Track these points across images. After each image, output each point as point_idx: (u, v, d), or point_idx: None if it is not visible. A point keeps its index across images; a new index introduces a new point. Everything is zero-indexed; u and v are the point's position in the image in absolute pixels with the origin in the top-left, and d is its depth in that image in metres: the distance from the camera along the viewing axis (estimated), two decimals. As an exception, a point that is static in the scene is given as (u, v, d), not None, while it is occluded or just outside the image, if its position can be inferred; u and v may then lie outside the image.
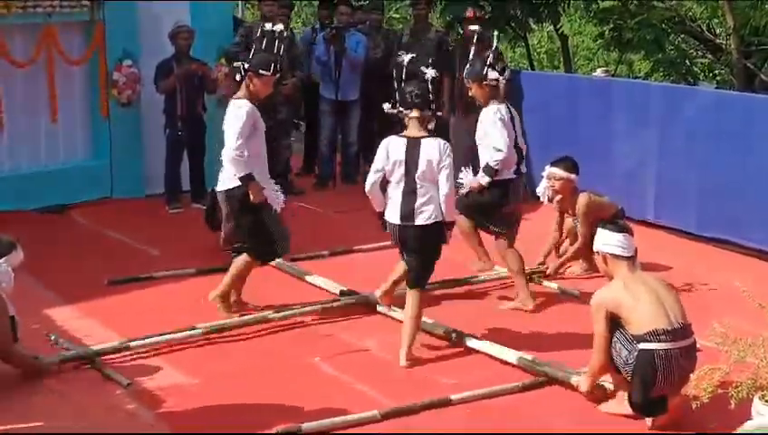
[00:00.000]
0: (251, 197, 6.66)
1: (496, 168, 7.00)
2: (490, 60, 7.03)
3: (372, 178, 6.27)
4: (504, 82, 7.13)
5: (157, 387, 5.84)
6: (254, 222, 6.78)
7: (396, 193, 6.19)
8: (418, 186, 6.11)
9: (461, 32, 10.76)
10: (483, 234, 7.42)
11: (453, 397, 5.64)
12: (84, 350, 6.23)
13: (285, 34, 7.36)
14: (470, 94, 7.25)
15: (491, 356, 6.25)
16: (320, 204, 10.14)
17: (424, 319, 6.52)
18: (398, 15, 18.85)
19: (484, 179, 7.05)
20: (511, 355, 6.17)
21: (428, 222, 6.14)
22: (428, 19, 11.24)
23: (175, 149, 9.90)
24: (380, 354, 6.38)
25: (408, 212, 6.14)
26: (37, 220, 9.31)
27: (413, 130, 6.19)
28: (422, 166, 6.08)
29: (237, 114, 6.67)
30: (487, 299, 7.46)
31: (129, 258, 8.35)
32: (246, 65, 6.75)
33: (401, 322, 6.42)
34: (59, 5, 9.62)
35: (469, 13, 10.23)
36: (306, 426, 5.24)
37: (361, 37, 10.85)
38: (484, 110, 7.10)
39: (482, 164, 7.14)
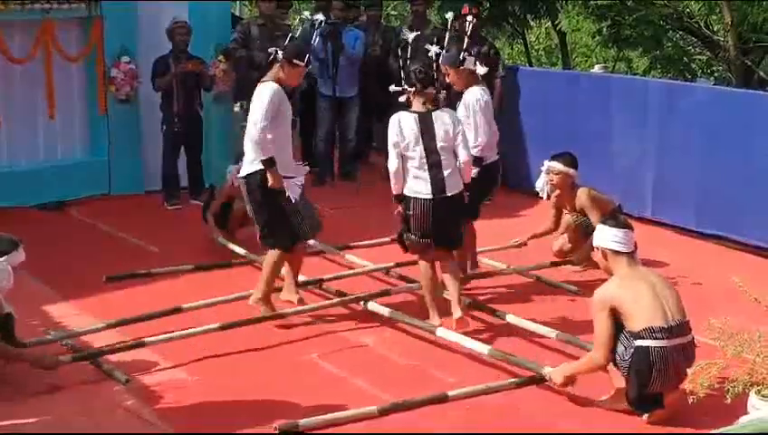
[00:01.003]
0: (269, 181, 6.55)
1: (479, 155, 7.01)
2: (465, 45, 7.03)
3: (394, 155, 6.36)
4: (482, 61, 7.11)
5: (155, 383, 5.84)
6: (272, 209, 6.66)
7: (420, 168, 6.30)
8: (442, 157, 6.25)
9: (458, 28, 10.73)
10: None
11: (450, 393, 5.64)
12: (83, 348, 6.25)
13: (326, 26, 7.24)
14: (447, 80, 7.23)
15: (465, 349, 6.24)
16: (318, 200, 10.10)
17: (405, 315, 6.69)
18: (395, 12, 18.83)
19: (472, 172, 6.93)
20: (483, 348, 6.15)
21: (458, 191, 6.40)
22: (426, 16, 11.23)
23: (172, 146, 9.91)
24: (378, 350, 6.40)
25: (439, 185, 6.31)
26: (35, 217, 9.31)
27: (419, 106, 6.28)
28: (440, 137, 6.26)
29: (263, 95, 6.57)
30: (484, 299, 7.45)
31: (127, 254, 8.35)
32: (281, 52, 6.66)
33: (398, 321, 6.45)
34: (56, 2, 9.61)
35: (464, 9, 10.19)
36: (304, 422, 5.24)
37: (359, 33, 10.85)
38: (468, 90, 7.08)
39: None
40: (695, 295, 7.11)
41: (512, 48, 18.95)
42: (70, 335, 6.40)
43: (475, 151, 6.95)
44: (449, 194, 6.35)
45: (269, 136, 6.50)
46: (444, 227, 6.44)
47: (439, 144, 6.27)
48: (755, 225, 8.35)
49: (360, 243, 8.37)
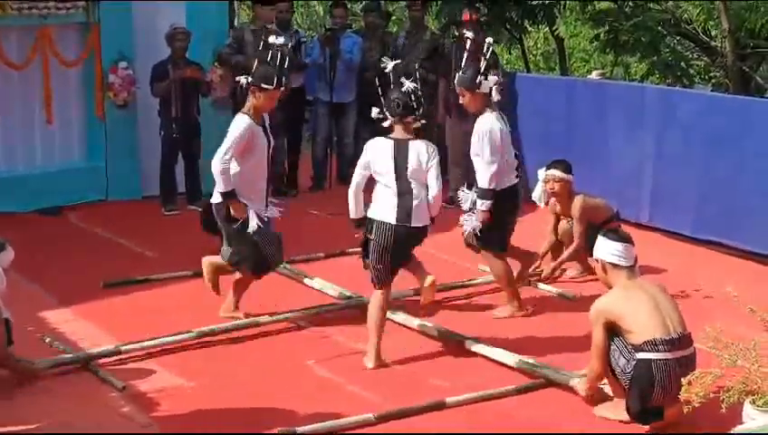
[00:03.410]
0: (231, 212, 6.65)
1: (491, 187, 6.86)
2: (483, 68, 6.92)
3: (358, 177, 6.33)
4: (498, 89, 7.05)
5: (151, 390, 5.84)
6: (240, 236, 6.72)
7: (388, 194, 6.22)
8: (412, 186, 6.18)
9: (456, 34, 10.74)
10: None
11: (448, 400, 5.64)
12: (79, 353, 6.25)
13: (289, 45, 7.28)
14: (461, 102, 7.17)
15: (490, 359, 6.26)
16: (315, 206, 10.14)
17: (423, 321, 6.67)
18: (393, 17, 18.85)
19: (485, 205, 6.88)
20: (510, 358, 6.17)
21: (422, 225, 6.25)
22: (424, 21, 11.25)
23: (170, 151, 9.91)
24: (375, 357, 6.39)
25: (405, 213, 6.19)
26: (33, 222, 9.31)
27: (399, 133, 6.26)
28: (411, 166, 6.17)
29: (234, 129, 6.63)
30: (484, 303, 7.44)
31: (125, 260, 8.35)
32: (250, 79, 6.68)
33: (399, 325, 6.41)
34: (54, 7, 9.62)
35: (465, 15, 10.21)
36: (301, 429, 5.24)
37: (357, 39, 10.86)
38: (480, 119, 6.96)
39: (477, 178, 7.00)
40: (691, 302, 7.13)
41: (509, 53, 18.97)
42: (84, 358, 6.21)
43: (484, 184, 6.84)
44: (413, 225, 6.21)
45: (234, 169, 6.58)
46: (400, 255, 6.32)
47: (410, 174, 6.17)
48: (752, 231, 8.35)
49: (358, 249, 8.33)
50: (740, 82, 12.59)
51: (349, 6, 12.16)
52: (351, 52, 10.69)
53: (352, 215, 6.38)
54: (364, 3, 12.32)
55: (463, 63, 7.13)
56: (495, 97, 6.99)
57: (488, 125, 6.88)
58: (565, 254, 7.85)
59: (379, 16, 11.45)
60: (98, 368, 6.05)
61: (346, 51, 10.64)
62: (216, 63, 10.02)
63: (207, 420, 5.52)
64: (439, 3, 13.10)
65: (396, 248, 6.27)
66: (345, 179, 11.00)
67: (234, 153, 6.58)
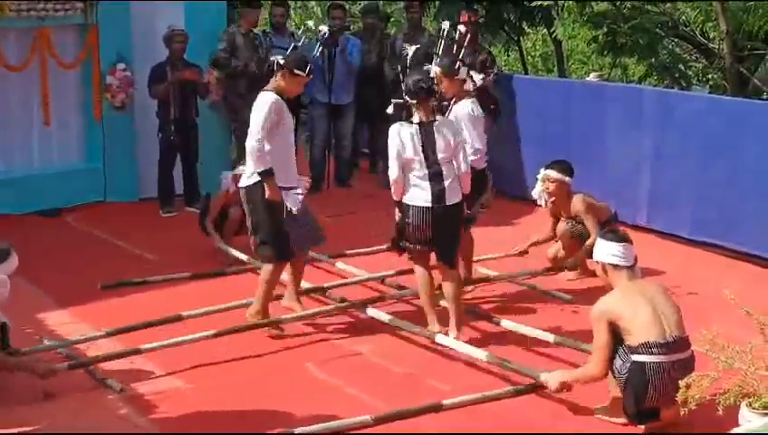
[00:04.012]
0: (266, 193, 6.54)
1: (475, 166, 7.00)
2: (461, 55, 7.05)
3: (395, 165, 6.40)
4: (482, 81, 7.13)
5: (150, 392, 5.84)
6: (272, 221, 6.62)
7: (420, 177, 6.36)
8: (443, 168, 6.33)
9: (454, 36, 10.74)
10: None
11: (445, 402, 5.65)
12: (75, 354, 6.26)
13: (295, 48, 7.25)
14: (439, 89, 7.23)
15: (461, 355, 6.26)
16: (313, 207, 10.10)
17: (407, 322, 6.69)
18: (392, 19, 18.85)
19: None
20: (480, 354, 6.16)
21: (458, 200, 6.46)
22: (422, 23, 11.25)
23: (168, 153, 9.91)
24: (373, 359, 6.40)
25: (439, 194, 6.37)
26: (31, 224, 9.31)
27: (421, 116, 6.33)
28: (440, 147, 6.33)
29: (261, 106, 6.54)
30: (483, 305, 7.45)
31: (123, 262, 8.35)
32: (282, 61, 6.64)
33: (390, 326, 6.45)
34: (52, 9, 9.63)
35: (463, 17, 10.22)
36: (299, 431, 5.24)
37: (356, 41, 10.87)
38: (459, 104, 7.08)
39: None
40: (688, 304, 7.10)
41: (508, 55, 18.98)
42: (65, 344, 6.40)
43: (471, 160, 6.94)
44: (449, 203, 6.40)
45: (267, 147, 6.48)
46: (443, 236, 6.46)
47: (440, 155, 6.34)
48: (750, 232, 8.35)
49: (358, 250, 8.36)
50: (737, 83, 12.61)
51: (347, 8, 12.17)
52: (350, 53, 10.69)
53: (395, 198, 6.52)
54: (363, 4, 12.33)
55: (440, 51, 7.24)
56: (476, 78, 7.14)
57: (467, 109, 7.02)
58: (584, 248, 7.76)
59: (378, 18, 11.46)
60: (96, 370, 6.05)
61: (346, 52, 10.64)
62: (211, 67, 10.01)
63: (206, 421, 5.52)
64: (437, 4, 13.11)
65: (435, 230, 6.41)
66: (343, 181, 11.09)
67: (267, 130, 6.49)
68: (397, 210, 6.57)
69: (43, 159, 10.04)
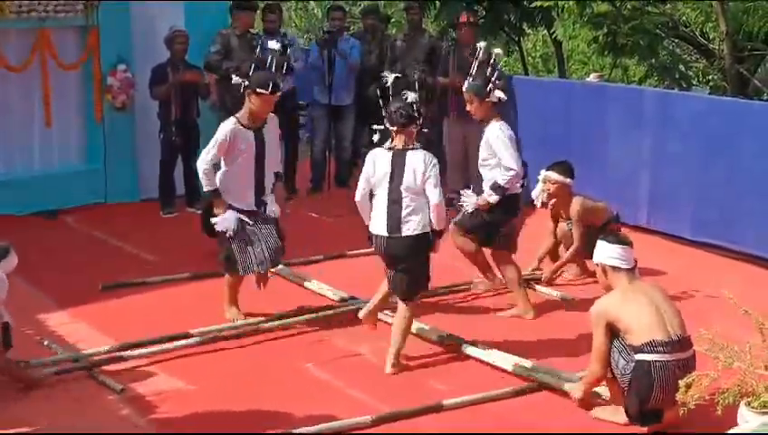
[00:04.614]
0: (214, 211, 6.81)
1: (507, 187, 6.98)
2: (494, 77, 7.00)
3: (361, 190, 6.36)
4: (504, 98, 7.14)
5: (150, 392, 5.85)
6: (222, 236, 6.86)
7: (380, 204, 6.24)
8: (403, 196, 6.14)
9: (454, 36, 10.76)
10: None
11: (445, 402, 5.66)
12: (77, 355, 6.26)
13: (285, 49, 7.33)
14: (468, 109, 7.19)
15: (486, 363, 6.26)
16: (313, 208, 10.16)
17: (421, 325, 6.62)
18: (393, 19, 18.86)
19: (492, 198, 6.99)
20: (506, 362, 6.18)
21: (415, 232, 6.17)
22: (422, 24, 11.26)
23: (169, 154, 9.92)
24: (373, 359, 6.40)
25: (394, 223, 6.17)
26: (31, 225, 9.31)
27: (399, 142, 6.26)
28: (407, 176, 6.14)
29: (219, 130, 6.79)
30: (483, 305, 7.45)
31: (123, 263, 8.36)
32: (246, 82, 6.73)
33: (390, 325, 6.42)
34: (53, 10, 9.63)
35: (463, 17, 10.24)
36: (298, 431, 5.25)
37: (355, 42, 10.87)
38: (489, 127, 7.04)
39: (488, 183, 7.08)
40: (689, 304, 7.13)
41: (508, 56, 18.95)
42: (80, 356, 6.31)
43: (503, 181, 6.93)
44: (404, 234, 6.17)
45: (223, 169, 6.74)
46: (394, 266, 6.28)
47: (404, 183, 6.15)
48: (750, 233, 8.36)
49: (358, 251, 8.35)
50: (738, 84, 12.61)
51: (347, 9, 12.19)
52: (350, 55, 10.70)
53: (366, 221, 6.43)
54: (363, 6, 12.33)
55: (473, 71, 7.18)
56: (502, 96, 7.09)
57: (497, 132, 6.98)
58: (566, 256, 7.86)
59: (378, 19, 11.47)
60: (96, 371, 6.05)
61: (345, 54, 10.64)
62: (204, 69, 9.98)
63: (206, 422, 5.53)
64: (438, 5, 13.12)
65: (389, 259, 6.27)
66: (343, 182, 11.09)
67: (216, 154, 6.74)
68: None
69: (43, 159, 10.04)
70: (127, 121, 10.22)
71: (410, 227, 6.15)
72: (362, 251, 8.32)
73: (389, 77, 6.55)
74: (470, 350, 6.40)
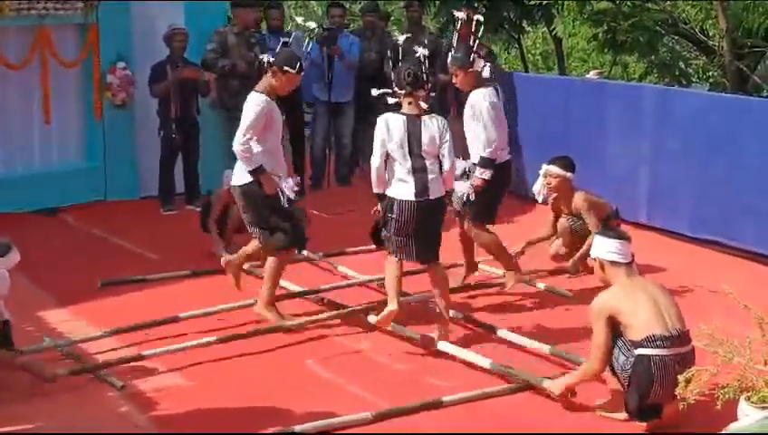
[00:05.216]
0: (264, 188, 6.61)
1: (492, 157, 7.01)
2: (474, 46, 7.04)
3: (379, 154, 6.36)
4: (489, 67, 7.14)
5: (150, 389, 5.85)
6: (276, 212, 6.69)
7: (404, 171, 6.31)
8: (427, 162, 6.29)
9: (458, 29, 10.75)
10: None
11: (445, 399, 5.65)
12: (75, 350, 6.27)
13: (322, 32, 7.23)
14: (454, 82, 7.24)
15: (466, 362, 6.22)
16: (314, 205, 10.14)
17: (394, 324, 6.64)
18: (392, 17, 18.87)
19: (486, 174, 7.04)
20: (484, 362, 6.13)
21: (441, 194, 6.41)
22: (422, 21, 11.26)
23: (169, 152, 9.92)
24: (373, 356, 6.40)
25: (422, 188, 6.31)
26: (31, 222, 9.32)
27: (410, 108, 6.30)
28: (425, 142, 6.26)
29: (251, 108, 6.59)
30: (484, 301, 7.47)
31: (123, 260, 8.36)
32: (272, 59, 6.67)
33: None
34: (53, 8, 9.64)
35: (461, 13, 10.21)
36: (299, 428, 5.25)
37: (354, 39, 10.88)
38: (474, 92, 7.07)
39: (474, 152, 7.13)
40: (688, 301, 7.14)
41: (508, 53, 18.98)
42: (68, 343, 6.39)
43: (487, 152, 6.99)
44: (432, 197, 6.34)
45: (257, 148, 6.56)
46: (425, 230, 6.40)
47: (424, 149, 6.27)
48: (749, 230, 8.36)
49: (358, 248, 8.36)
50: (737, 81, 12.62)
51: (347, 7, 12.19)
52: (349, 51, 10.70)
53: (374, 189, 6.48)
54: (363, 3, 12.33)
55: (454, 44, 7.20)
56: (486, 74, 7.11)
57: (483, 97, 7.00)
58: (584, 248, 7.76)
59: (378, 16, 11.47)
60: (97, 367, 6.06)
61: (344, 50, 10.65)
62: (202, 68, 9.98)
63: (206, 419, 5.52)
64: (437, 3, 13.12)
65: (419, 224, 6.36)
66: (343, 179, 11.09)
67: (253, 134, 6.55)
68: (379, 204, 6.51)
69: (43, 157, 10.05)
70: (126, 119, 10.22)
71: (435, 190, 6.37)
72: (362, 248, 8.34)
73: (400, 38, 6.56)
74: (445, 346, 6.36)
